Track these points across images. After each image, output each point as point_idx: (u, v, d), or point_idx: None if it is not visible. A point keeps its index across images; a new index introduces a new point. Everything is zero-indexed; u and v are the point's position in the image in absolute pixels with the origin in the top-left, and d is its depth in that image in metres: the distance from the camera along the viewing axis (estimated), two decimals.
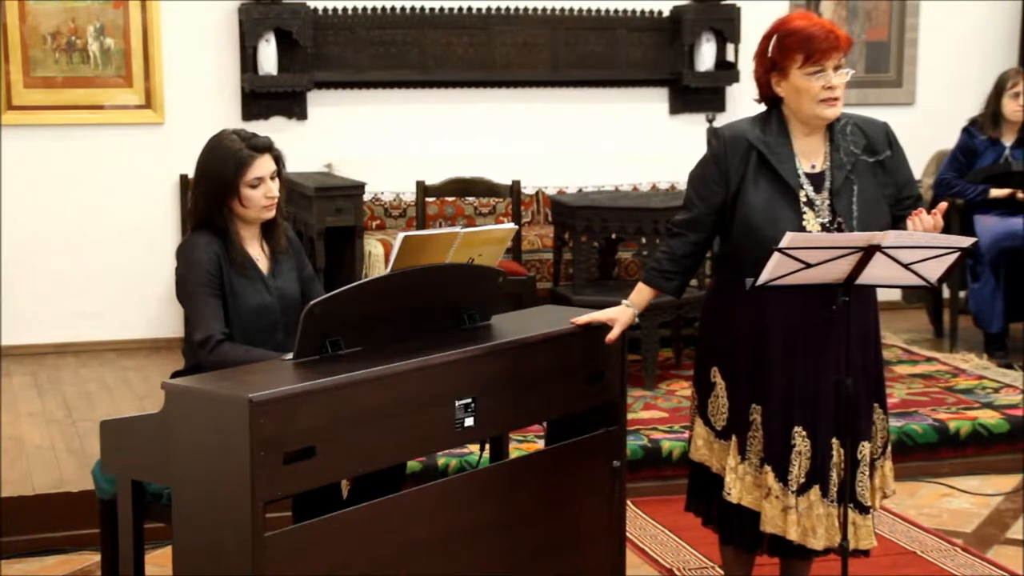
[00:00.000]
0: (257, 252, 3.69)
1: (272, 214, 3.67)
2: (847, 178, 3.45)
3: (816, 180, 3.47)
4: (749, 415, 3.50)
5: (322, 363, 3.21)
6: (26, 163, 6.66)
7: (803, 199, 3.44)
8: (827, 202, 3.45)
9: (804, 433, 3.45)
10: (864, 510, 3.51)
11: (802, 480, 3.46)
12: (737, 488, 3.50)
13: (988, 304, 6.48)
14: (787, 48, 3.41)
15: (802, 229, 3.39)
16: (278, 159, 3.67)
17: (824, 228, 3.42)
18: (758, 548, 3.59)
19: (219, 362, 3.42)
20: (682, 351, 6.32)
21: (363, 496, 3.39)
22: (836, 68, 3.39)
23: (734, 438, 3.52)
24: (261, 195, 3.61)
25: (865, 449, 3.50)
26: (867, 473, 3.51)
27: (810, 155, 3.48)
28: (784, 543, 3.50)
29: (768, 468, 3.47)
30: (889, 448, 3.64)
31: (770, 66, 3.46)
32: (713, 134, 3.53)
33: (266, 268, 3.69)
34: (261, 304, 3.63)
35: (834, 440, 3.46)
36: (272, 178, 3.63)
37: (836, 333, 3.42)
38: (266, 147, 3.64)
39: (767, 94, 3.51)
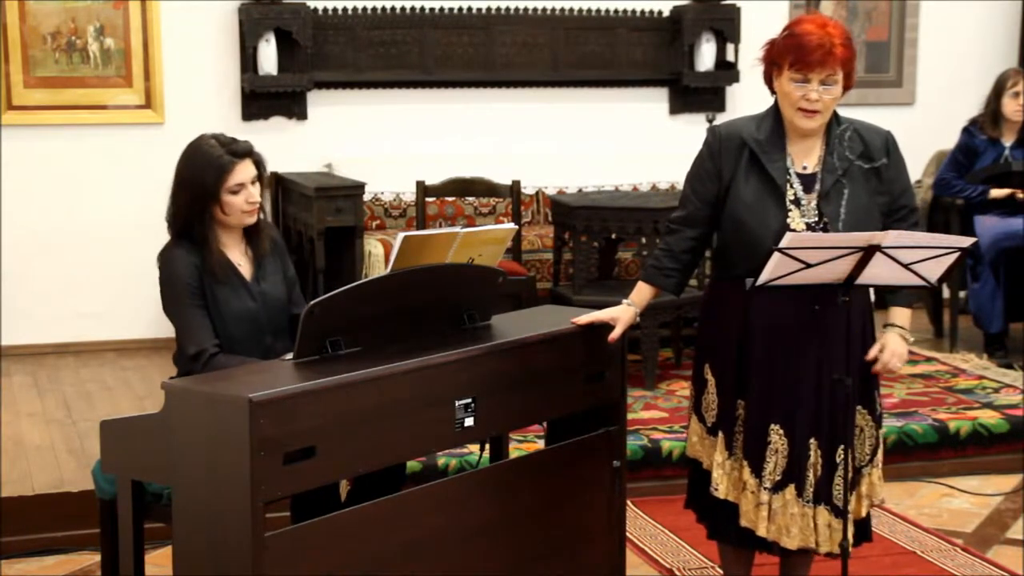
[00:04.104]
0: (239, 257, 3.68)
1: (254, 220, 3.65)
2: (837, 181, 3.46)
3: (807, 181, 3.48)
4: (735, 411, 3.51)
5: (322, 363, 3.21)
6: (26, 163, 6.67)
7: (790, 197, 3.45)
8: (814, 203, 3.46)
9: (781, 431, 3.46)
10: (839, 513, 3.50)
11: (777, 478, 3.46)
12: (724, 484, 3.52)
13: (988, 304, 6.48)
14: (782, 49, 3.43)
15: (787, 227, 3.40)
16: (259, 163, 3.65)
17: (809, 228, 3.43)
18: (747, 544, 3.59)
19: None
20: (682, 351, 6.32)
21: (363, 496, 3.39)
22: (823, 82, 3.38)
23: (721, 434, 3.53)
24: (243, 201, 3.59)
25: (844, 453, 3.49)
26: (844, 477, 3.48)
27: (803, 156, 3.49)
28: (763, 539, 3.51)
29: (745, 463, 3.49)
30: (879, 456, 3.61)
31: (771, 60, 3.47)
32: (710, 131, 3.56)
33: (249, 273, 3.68)
34: (244, 310, 3.62)
35: (812, 440, 3.46)
36: (253, 183, 3.61)
37: (821, 332, 3.42)
38: (246, 152, 3.61)
39: (771, 88, 3.52)
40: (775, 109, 3.51)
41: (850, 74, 3.42)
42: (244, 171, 3.59)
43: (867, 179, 3.48)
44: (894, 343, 3.49)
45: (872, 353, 3.48)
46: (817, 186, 3.47)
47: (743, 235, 3.43)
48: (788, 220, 3.43)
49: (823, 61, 3.36)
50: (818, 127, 3.45)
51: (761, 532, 3.47)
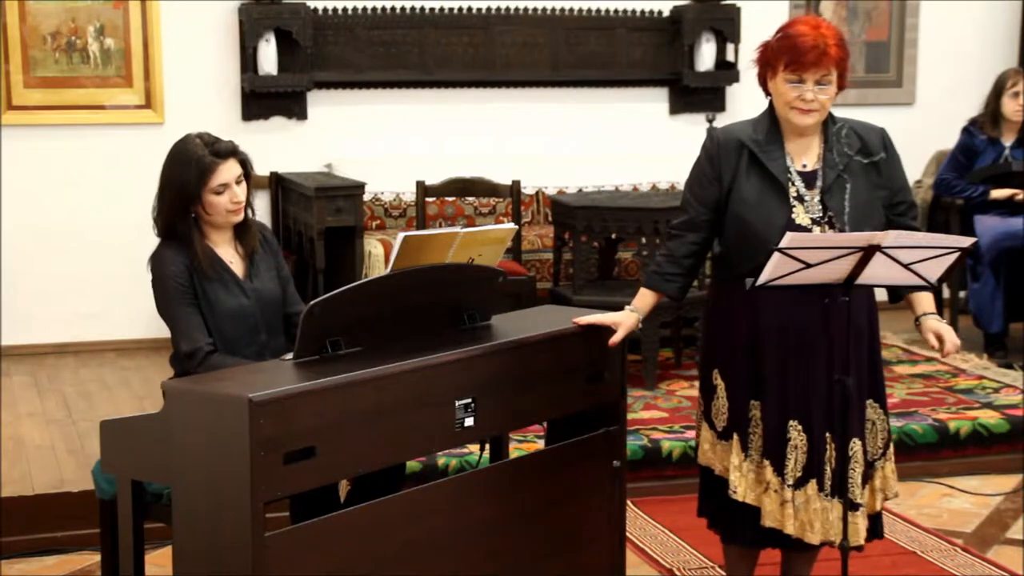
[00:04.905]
0: (231, 255, 3.67)
1: (240, 218, 3.65)
2: (839, 176, 3.48)
3: (808, 178, 3.49)
4: (749, 412, 3.52)
5: (322, 363, 3.20)
6: (26, 163, 6.66)
7: (793, 194, 3.47)
8: (818, 199, 3.47)
9: (799, 427, 3.47)
10: (853, 507, 3.50)
11: (799, 474, 3.47)
12: (742, 486, 3.52)
13: (988, 304, 6.48)
14: (776, 50, 3.45)
15: (792, 222, 3.41)
16: (244, 162, 3.64)
17: (815, 222, 3.44)
18: (762, 544, 3.60)
19: None
20: (682, 351, 6.32)
21: (363, 496, 3.39)
22: (818, 83, 3.40)
23: (735, 436, 3.54)
24: (227, 201, 3.59)
25: (856, 446, 3.50)
26: (858, 471, 3.50)
27: (802, 155, 3.51)
28: (784, 537, 3.51)
29: (767, 462, 3.49)
30: (891, 450, 3.64)
31: (765, 62, 3.48)
32: (708, 136, 3.58)
33: (241, 270, 3.67)
34: (238, 307, 3.61)
35: (828, 435, 3.48)
36: (238, 182, 3.61)
37: (828, 330, 3.43)
38: (230, 152, 3.61)
39: (766, 90, 3.53)
40: (770, 111, 3.53)
41: (844, 74, 3.44)
42: (228, 171, 3.59)
43: (867, 174, 3.50)
44: (941, 327, 3.52)
45: (936, 345, 3.50)
46: (819, 182, 3.48)
47: (748, 234, 3.44)
48: (793, 216, 3.44)
49: (818, 62, 3.38)
50: (814, 124, 3.47)
51: (789, 530, 3.48)
